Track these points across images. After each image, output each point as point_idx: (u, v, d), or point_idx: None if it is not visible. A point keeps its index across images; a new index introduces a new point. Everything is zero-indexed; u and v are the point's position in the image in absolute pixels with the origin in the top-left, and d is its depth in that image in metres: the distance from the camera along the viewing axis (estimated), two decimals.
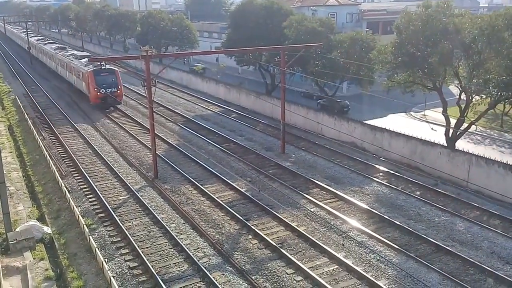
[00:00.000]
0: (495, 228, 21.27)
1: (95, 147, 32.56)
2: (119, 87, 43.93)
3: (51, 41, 75.64)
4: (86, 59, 44.96)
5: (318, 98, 44.72)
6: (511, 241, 20.13)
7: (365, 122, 35.16)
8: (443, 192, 24.95)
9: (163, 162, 29.34)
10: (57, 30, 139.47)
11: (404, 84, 30.40)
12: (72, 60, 49.65)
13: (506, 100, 29.22)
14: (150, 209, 22.93)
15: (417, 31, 28.45)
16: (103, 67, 43.38)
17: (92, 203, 23.88)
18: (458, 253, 19.02)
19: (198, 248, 19.60)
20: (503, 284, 17.23)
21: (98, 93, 42.27)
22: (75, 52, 56.46)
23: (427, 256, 19.07)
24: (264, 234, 20.37)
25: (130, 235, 20.32)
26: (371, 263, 18.51)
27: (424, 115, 42.79)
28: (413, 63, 29.05)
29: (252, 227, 21.06)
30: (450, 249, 19.34)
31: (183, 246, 19.47)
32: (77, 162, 29.41)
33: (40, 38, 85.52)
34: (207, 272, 17.53)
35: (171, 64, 47.21)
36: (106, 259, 18.62)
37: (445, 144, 29.48)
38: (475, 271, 18.05)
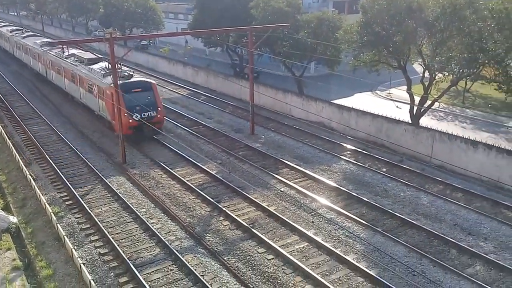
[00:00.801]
0: (457, 201, 22.11)
1: (59, 133, 31.76)
2: (159, 108, 29.50)
3: (32, 34, 57.53)
4: (102, 66, 31.94)
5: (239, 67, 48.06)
6: (473, 213, 21.00)
7: (332, 101, 35.59)
8: (408, 168, 25.69)
9: (131, 146, 28.93)
10: (15, 13, 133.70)
11: (369, 63, 30.87)
12: (78, 65, 34.92)
13: (468, 77, 30.16)
14: (119, 194, 22.67)
15: (382, 10, 28.77)
16: (132, 79, 29.89)
17: (58, 191, 23.41)
18: (423, 226, 19.72)
19: (169, 232, 19.59)
20: (465, 254, 18.02)
21: (131, 120, 28.08)
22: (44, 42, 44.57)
23: (393, 230, 19.71)
24: (235, 215, 20.54)
25: (99, 221, 20.09)
26: (340, 239, 18.98)
27: (389, 93, 43.63)
28: (378, 42, 29.44)
29: (223, 208, 21.18)
30: (415, 223, 20.03)
31: (154, 230, 19.41)
32: (42, 150, 28.65)
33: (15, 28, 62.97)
34: (179, 255, 17.58)
35: (136, 46, 46.14)
36: (75, 247, 18.38)
37: (410, 121, 30.22)
38: (439, 243, 18.77)
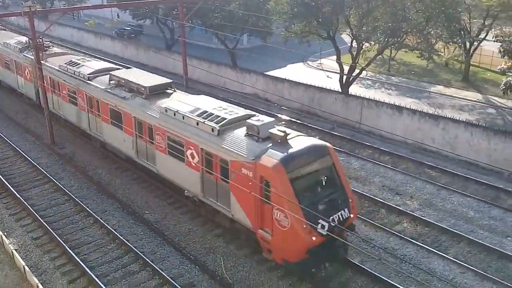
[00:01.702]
0: (385, 163, 23.47)
1: None
2: (350, 200, 15.44)
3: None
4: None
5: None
6: (400, 174, 22.43)
7: (266, 73, 35.90)
8: (339, 134, 26.76)
9: (60, 127, 27.62)
10: None
11: (300, 34, 31.36)
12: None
13: (392, 46, 31.52)
14: (50, 176, 21.74)
15: None
16: (295, 141, 15.20)
17: None
18: (354, 189, 20.70)
19: (106, 212, 19.20)
20: (393, 212, 19.30)
21: (314, 237, 13.84)
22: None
23: None
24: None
25: (30, 205, 19.21)
26: None
27: (320, 63, 44.68)
28: (308, 13, 29.90)
29: (159, 185, 20.94)
30: None
31: (89, 210, 18.95)
32: None
33: None
34: (117, 234, 17.32)
35: (59, 20, 43.52)
36: (5, 233, 17.53)
37: (340, 90, 31.29)
38: (369, 204, 19.93)
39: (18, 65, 28.54)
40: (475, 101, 34.73)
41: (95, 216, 18.51)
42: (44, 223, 17.88)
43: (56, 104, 26.40)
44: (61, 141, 25.89)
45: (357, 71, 31.55)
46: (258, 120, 15.71)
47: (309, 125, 28.16)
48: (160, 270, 15.22)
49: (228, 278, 15.28)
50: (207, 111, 17.07)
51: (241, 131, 15.82)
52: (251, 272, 15.50)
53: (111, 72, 22.64)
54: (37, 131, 27.36)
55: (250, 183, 14.34)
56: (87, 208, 19.06)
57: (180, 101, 18.50)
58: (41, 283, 14.67)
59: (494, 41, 28.42)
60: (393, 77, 41.07)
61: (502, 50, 25.63)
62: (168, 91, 20.67)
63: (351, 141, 26.10)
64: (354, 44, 30.76)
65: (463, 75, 39.78)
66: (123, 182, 21.57)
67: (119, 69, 24.39)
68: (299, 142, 15.19)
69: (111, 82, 22.12)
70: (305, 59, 45.76)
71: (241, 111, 17.16)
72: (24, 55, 28.58)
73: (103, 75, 23.05)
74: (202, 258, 16.28)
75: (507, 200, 20.36)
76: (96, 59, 33.19)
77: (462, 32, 35.73)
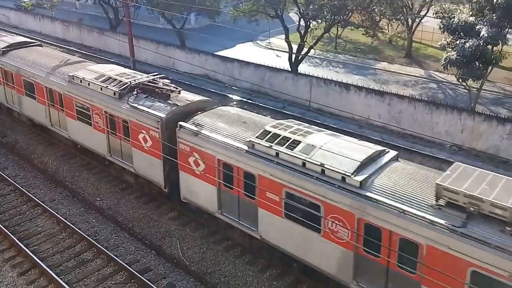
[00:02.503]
0: None
1: None
2: None
3: None
4: None
5: None
6: None
7: (216, 53, 35.57)
8: (290, 113, 27.14)
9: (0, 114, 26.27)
10: None
11: (248, 13, 31.24)
12: None
13: (339, 24, 32.08)
14: None
15: None
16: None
17: None
18: None
19: (54, 200, 18.63)
20: None
21: None
22: None
23: None
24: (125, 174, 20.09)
25: None
26: None
27: (269, 42, 44.77)
28: None
29: (111, 170, 20.55)
30: None
31: (37, 200, 18.28)
32: None
33: None
34: (68, 223, 16.89)
35: None
36: None
37: (289, 69, 31.60)
38: None
39: None
40: (417, 76, 36.18)
41: (44, 205, 17.92)
42: None
43: None
44: (2, 129, 24.66)
45: (305, 49, 31.92)
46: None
47: (261, 104, 28.34)
48: (114, 257, 15.06)
49: (185, 260, 15.36)
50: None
51: None
52: (207, 253, 15.64)
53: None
54: None
55: None
56: (35, 198, 18.40)
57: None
58: None
59: (434, 17, 29.56)
60: (340, 55, 41.89)
61: (442, 26, 26.70)
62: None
63: (301, 119, 26.45)
64: (302, 22, 31.02)
65: (406, 52, 41.19)
66: (71, 169, 20.93)
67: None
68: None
69: None
70: (254, 39, 45.65)
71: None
72: None
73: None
74: (157, 242, 16.25)
75: None
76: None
77: (404, 9, 36.84)
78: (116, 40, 38.12)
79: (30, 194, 18.66)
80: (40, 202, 18.13)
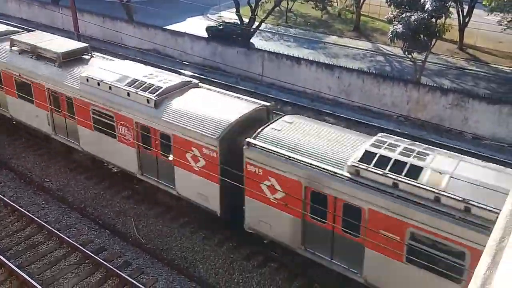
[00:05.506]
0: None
1: None
2: None
3: None
4: None
5: None
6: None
7: (165, 27, 34.68)
8: (243, 88, 27.11)
9: None
10: None
11: None
12: None
13: None
14: None
15: None
16: None
17: None
18: None
19: (35, 204, 17.07)
20: None
21: None
22: None
23: None
24: (106, 165, 19.52)
25: None
26: None
27: (220, 16, 44.10)
28: None
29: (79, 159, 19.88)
30: None
31: (15, 205, 16.43)
32: None
33: None
34: (16, 205, 16.28)
35: None
36: None
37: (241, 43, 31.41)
38: None
39: None
40: (366, 49, 36.95)
41: (22, 210, 16.37)
42: None
43: None
44: None
45: (256, 23, 31.75)
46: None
47: (213, 79, 28.08)
48: (67, 238, 14.75)
49: (141, 238, 15.30)
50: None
51: None
52: (163, 230, 15.64)
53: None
54: None
55: None
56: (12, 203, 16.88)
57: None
58: None
59: None
60: (291, 29, 41.95)
61: (388, 0, 27.33)
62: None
63: (254, 94, 26.55)
64: None
65: (354, 25, 41.82)
66: (17, 151, 20.08)
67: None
68: None
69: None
70: (204, 12, 44.79)
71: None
72: None
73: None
74: (111, 222, 16.04)
75: None
76: None
77: None
78: (59, 14, 36.31)
79: (6, 199, 16.89)
80: (18, 207, 16.44)
